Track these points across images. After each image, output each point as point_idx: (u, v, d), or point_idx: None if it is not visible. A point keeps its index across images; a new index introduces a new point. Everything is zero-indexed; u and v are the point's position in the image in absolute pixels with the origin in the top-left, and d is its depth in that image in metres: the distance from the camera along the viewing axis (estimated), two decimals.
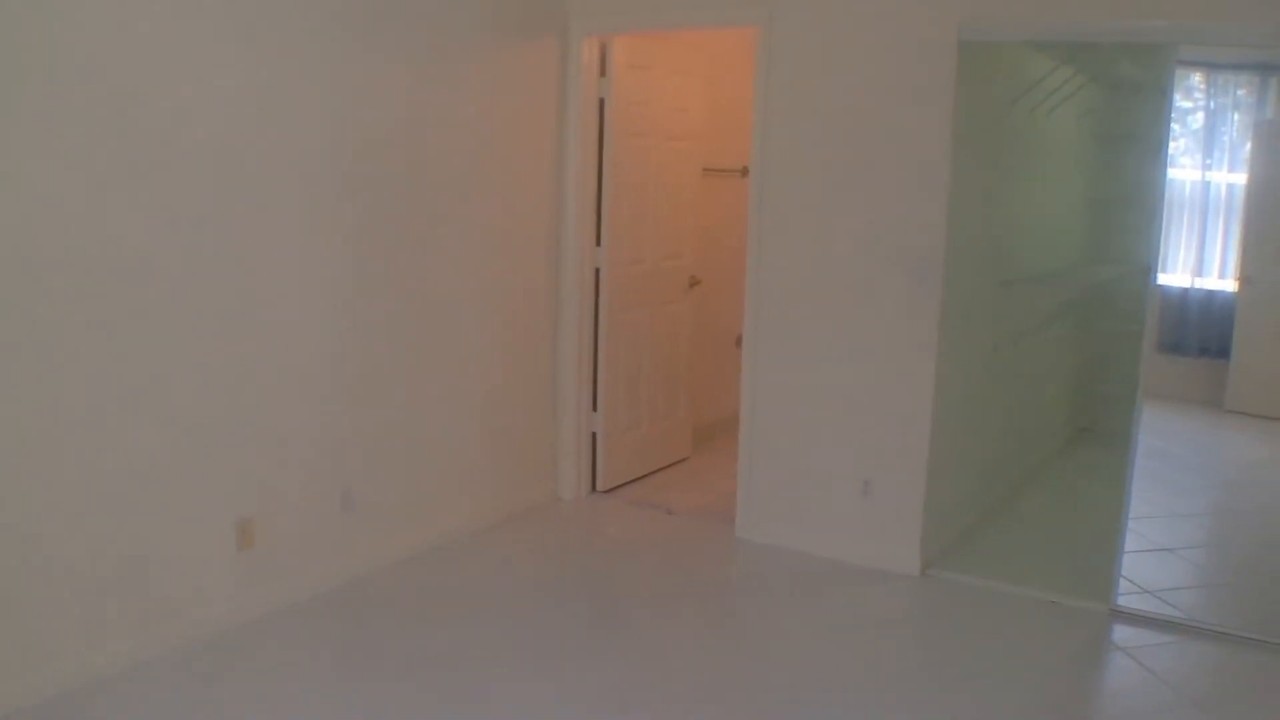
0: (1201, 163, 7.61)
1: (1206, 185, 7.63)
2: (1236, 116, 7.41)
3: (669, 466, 6.96)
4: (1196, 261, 7.17)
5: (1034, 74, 6.01)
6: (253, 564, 4.56)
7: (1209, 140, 7.54)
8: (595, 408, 6.34)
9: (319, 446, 4.82)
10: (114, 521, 4.03)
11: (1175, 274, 7.63)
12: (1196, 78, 7.51)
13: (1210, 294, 7.49)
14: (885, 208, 5.16)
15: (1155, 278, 5.02)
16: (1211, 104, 7.51)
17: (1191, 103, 7.50)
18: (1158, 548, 5.79)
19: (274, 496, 4.64)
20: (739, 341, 7.70)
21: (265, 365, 4.53)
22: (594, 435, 6.36)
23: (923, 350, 5.14)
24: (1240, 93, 7.36)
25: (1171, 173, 7.69)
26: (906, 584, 5.19)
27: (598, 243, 6.20)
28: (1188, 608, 5.10)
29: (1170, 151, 6.22)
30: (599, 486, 6.40)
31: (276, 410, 4.60)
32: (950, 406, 5.36)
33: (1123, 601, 4.94)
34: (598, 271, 6.22)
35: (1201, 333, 7.49)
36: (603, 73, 6.10)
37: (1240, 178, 7.35)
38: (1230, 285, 7.40)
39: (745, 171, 7.43)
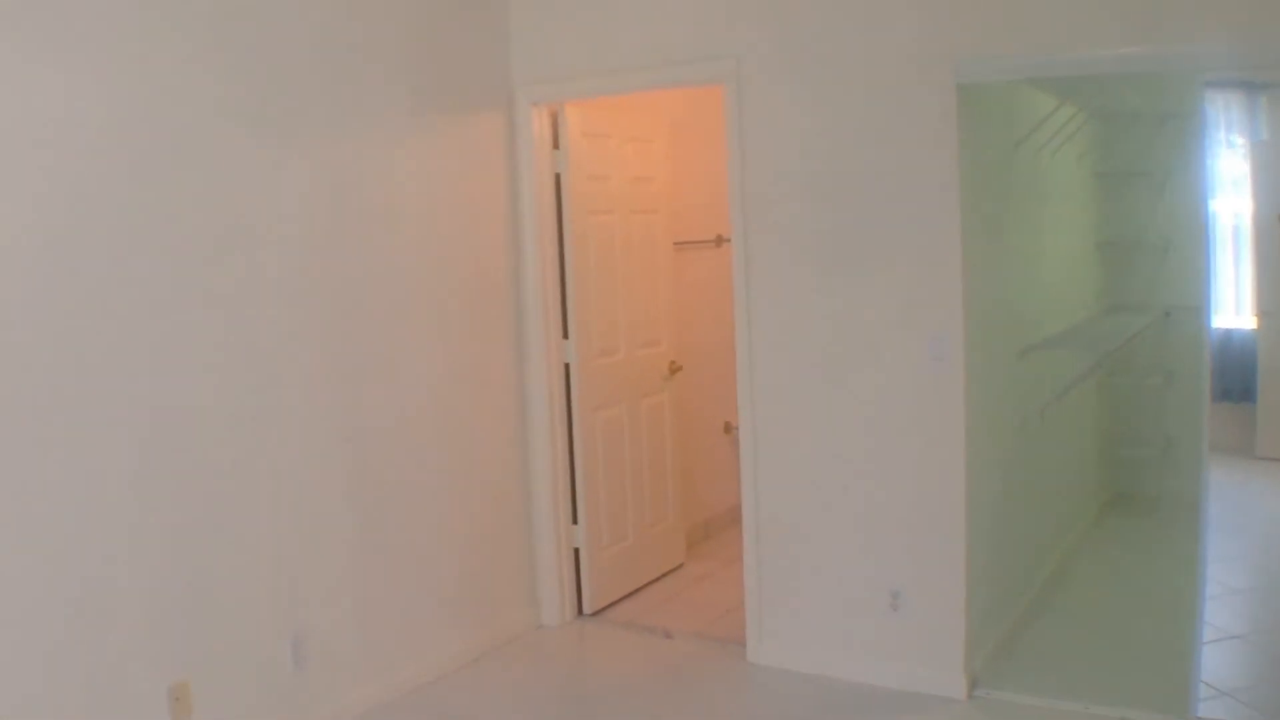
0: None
1: (1209, 214, 7.17)
2: (1237, 140, 6.97)
3: (662, 577, 6.33)
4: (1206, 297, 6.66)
5: (1033, 113, 5.51)
6: None
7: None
8: (575, 520, 5.72)
9: (263, 591, 4.25)
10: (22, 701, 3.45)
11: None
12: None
13: (1228, 332, 7.00)
14: (891, 277, 4.62)
15: (1210, 319, 4.46)
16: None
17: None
18: (1224, 635, 5.20)
19: (213, 655, 4.05)
20: (727, 428, 7.21)
21: (193, 498, 3.97)
22: (576, 552, 5.73)
23: (948, 436, 4.57)
24: (1233, 113, 6.93)
25: (1176, 204, 7.27)
26: (953, 710, 4.56)
27: (565, 335, 5.63)
28: (1272, 709, 4.51)
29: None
30: (586, 609, 5.77)
31: (210, 554, 4.03)
32: (984, 497, 4.78)
33: (1203, 711, 4.35)
34: (567, 367, 5.65)
35: (1222, 374, 6.98)
36: (556, 145, 5.58)
37: (1242, 204, 6.90)
38: (1247, 321, 6.95)
39: (720, 241, 6.97)
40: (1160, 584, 5.96)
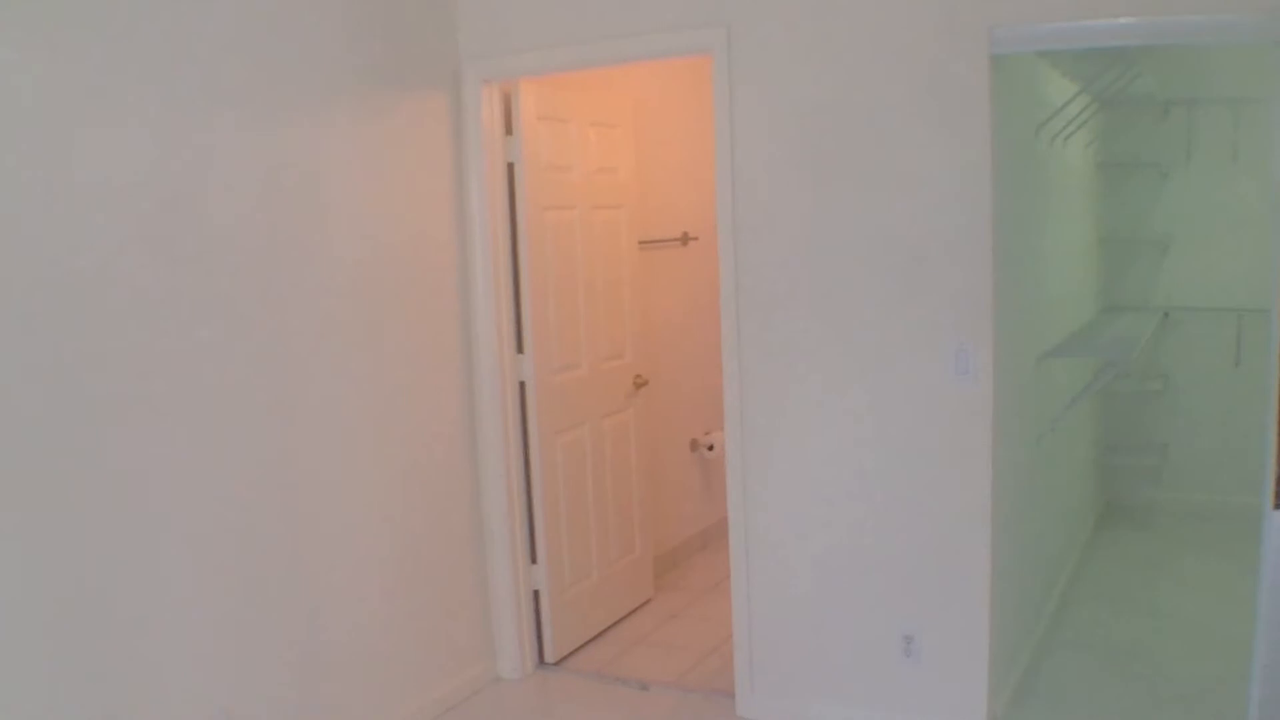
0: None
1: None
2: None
3: (629, 615, 5.69)
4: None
5: (1050, 95, 4.96)
6: None
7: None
8: (534, 559, 5.07)
9: (187, 663, 3.58)
10: None
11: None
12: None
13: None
14: (909, 279, 4.03)
15: (1275, 323, 3.93)
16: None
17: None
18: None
19: None
20: (694, 445, 6.60)
21: (91, 562, 3.25)
22: (536, 594, 5.09)
23: (972, 461, 4.00)
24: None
25: (1179, 198, 6.79)
26: None
27: (519, 349, 4.98)
28: None
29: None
30: (548, 657, 5.11)
31: (126, 628, 3.36)
32: (1004, 525, 4.21)
33: None
34: (522, 386, 5.00)
35: None
36: (509, 130, 4.91)
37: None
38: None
39: (686, 239, 6.36)
40: (1171, 604, 5.58)
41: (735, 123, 4.26)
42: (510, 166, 4.94)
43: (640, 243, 5.80)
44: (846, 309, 4.15)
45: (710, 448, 6.59)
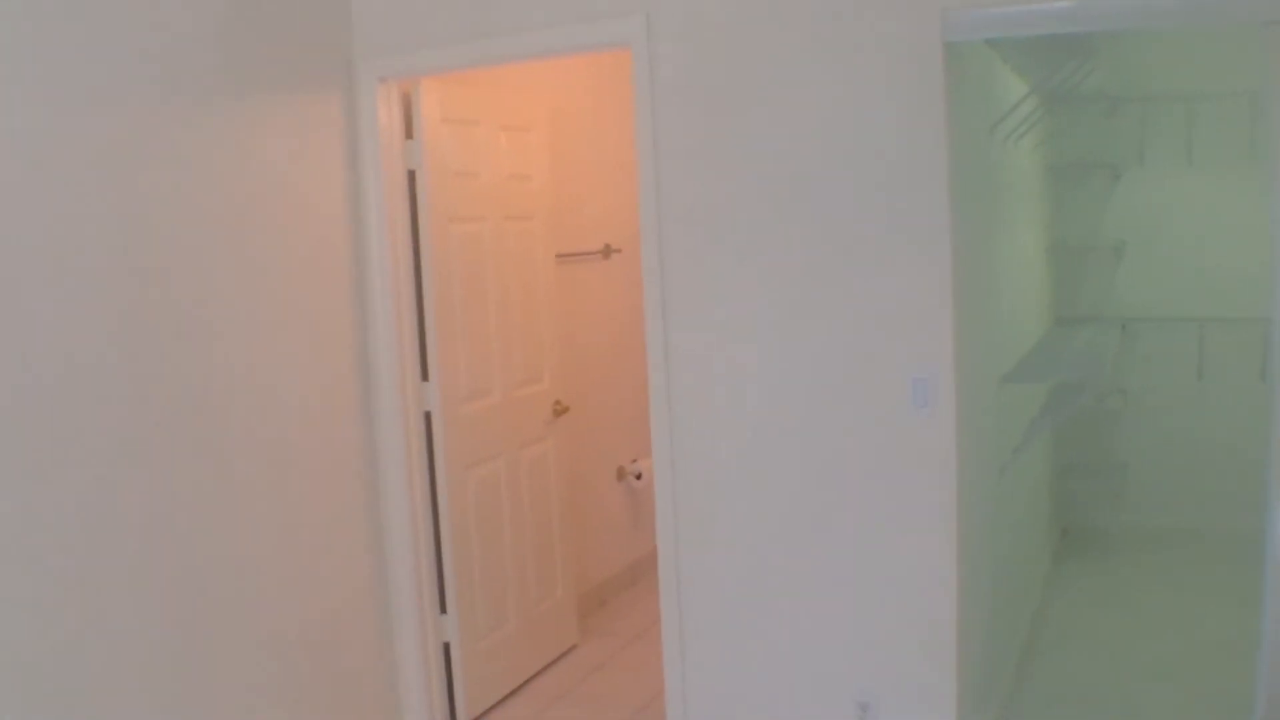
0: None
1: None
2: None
3: (552, 664, 5.21)
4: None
5: (1003, 93, 4.58)
6: None
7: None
8: (444, 609, 4.60)
9: None
10: None
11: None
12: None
13: None
14: (856, 296, 3.61)
15: (1277, 334, 3.55)
16: None
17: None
18: None
19: None
20: (620, 474, 6.16)
21: None
22: (446, 646, 4.61)
23: (934, 500, 3.58)
24: None
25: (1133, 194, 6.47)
26: None
27: (424, 376, 4.51)
28: None
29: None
30: (460, 717, 4.63)
31: None
32: (971, 575, 3.80)
33: None
34: (428, 417, 4.54)
35: None
36: (409, 134, 4.47)
37: None
38: None
39: (608, 251, 5.92)
40: (1143, 646, 5.12)
41: (658, 123, 3.83)
42: (411, 174, 4.49)
43: (558, 256, 5.35)
44: (786, 327, 3.73)
45: (638, 476, 6.15)
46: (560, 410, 5.24)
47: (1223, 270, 6.29)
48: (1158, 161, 6.33)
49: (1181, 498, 6.52)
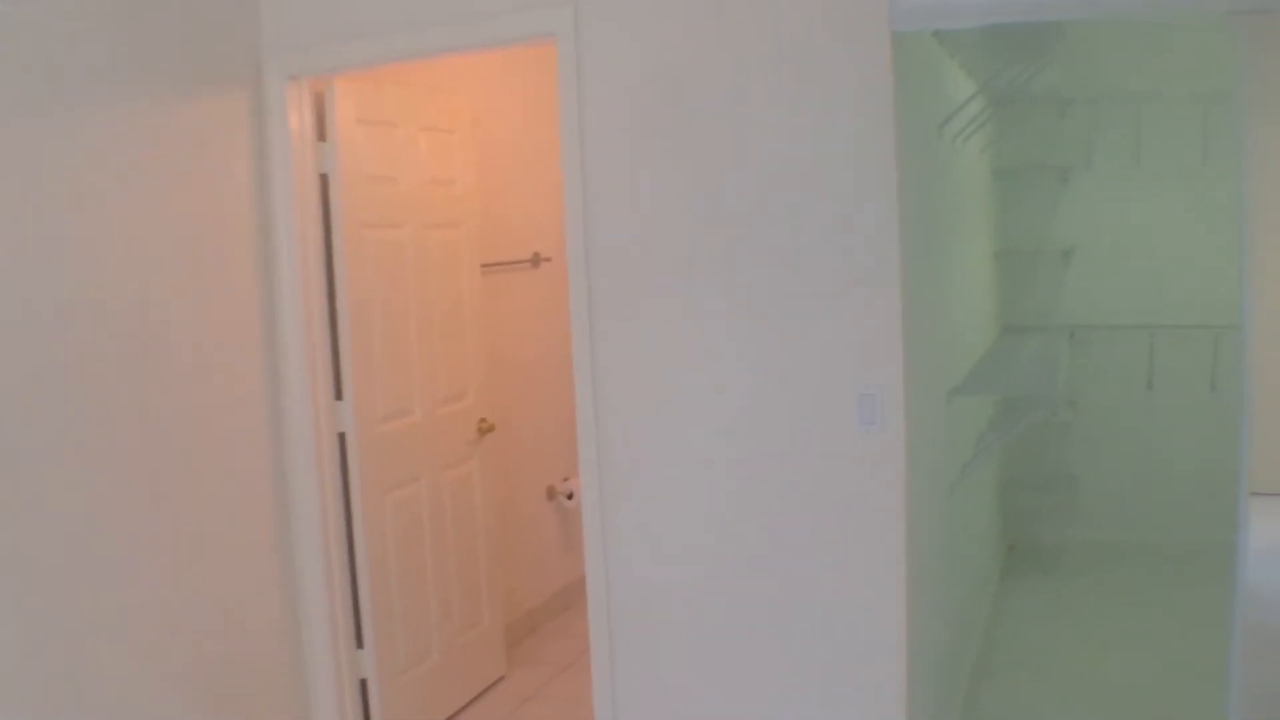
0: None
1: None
2: None
3: (479, 697, 4.93)
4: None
5: (951, 92, 4.37)
6: None
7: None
8: (361, 643, 4.31)
9: None
10: None
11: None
12: None
13: None
14: (798, 307, 3.38)
15: (1247, 339, 3.34)
16: None
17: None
18: None
19: None
20: (551, 494, 5.89)
21: None
22: (363, 683, 4.33)
23: (883, 529, 3.34)
24: None
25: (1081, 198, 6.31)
26: None
27: (338, 395, 4.23)
28: None
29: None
30: None
31: None
32: (920, 605, 3.57)
33: None
34: (343, 438, 4.25)
35: None
36: (322, 136, 4.20)
37: None
38: None
39: (538, 260, 5.67)
40: (1095, 668, 4.92)
41: (585, 122, 3.58)
42: (324, 177, 4.22)
43: (483, 265, 5.08)
44: (722, 342, 3.49)
45: (569, 496, 5.89)
46: (486, 428, 4.96)
47: (1173, 276, 6.16)
48: (1106, 165, 6.17)
49: (1132, 511, 6.37)
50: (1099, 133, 6.10)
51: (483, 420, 4.95)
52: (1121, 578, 6.07)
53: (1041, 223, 6.34)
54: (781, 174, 3.36)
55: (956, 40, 4.12)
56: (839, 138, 3.28)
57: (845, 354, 3.33)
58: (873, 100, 3.24)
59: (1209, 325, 5.90)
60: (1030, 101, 5.89)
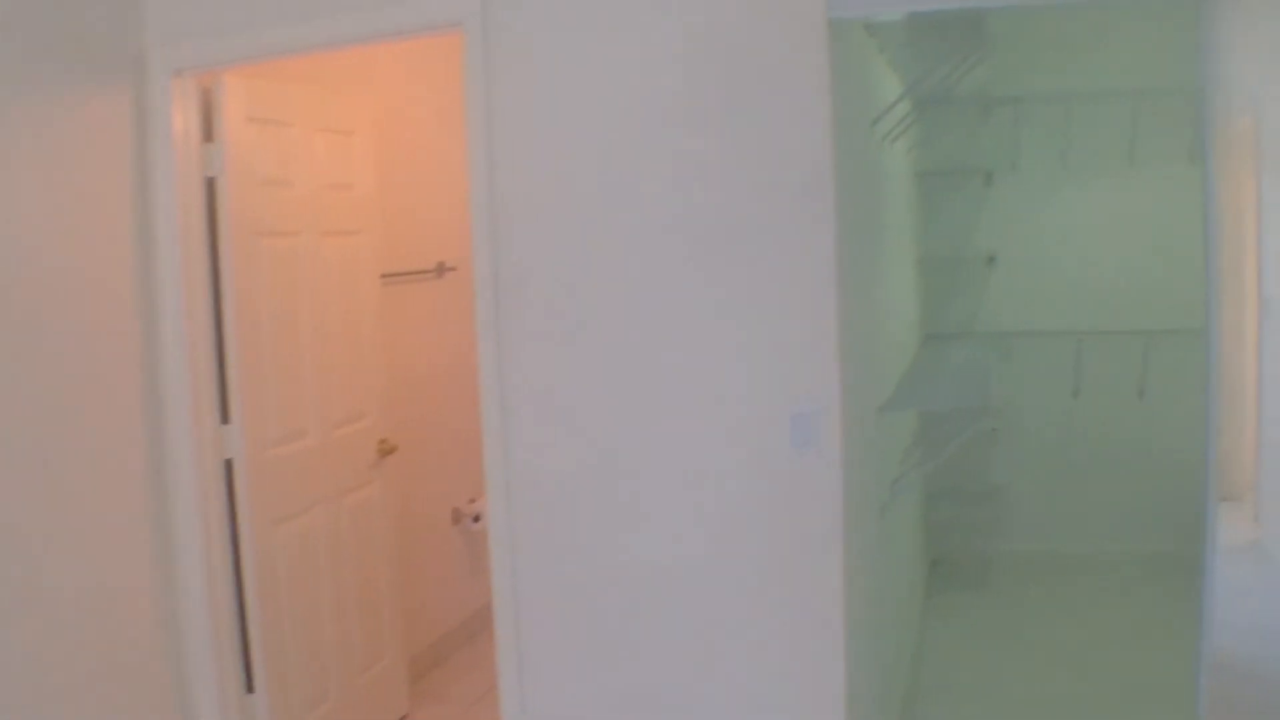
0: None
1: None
2: None
3: None
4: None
5: (881, 91, 4.14)
6: None
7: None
8: (251, 687, 3.97)
9: None
10: None
11: None
12: None
13: None
14: (726, 318, 3.13)
15: (1214, 345, 3.15)
16: None
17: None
18: None
19: None
20: (457, 517, 5.58)
21: None
22: None
23: (820, 556, 3.11)
24: None
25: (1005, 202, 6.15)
26: None
27: (225, 418, 3.89)
28: None
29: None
30: None
31: None
32: (858, 634, 3.33)
33: None
34: (230, 464, 3.91)
35: None
36: (209, 136, 3.86)
37: None
38: None
39: (442, 270, 5.35)
40: (1026, 688, 4.73)
41: (494, 121, 3.29)
42: (211, 181, 3.88)
43: (384, 276, 4.76)
44: (644, 357, 3.23)
45: (476, 518, 5.57)
46: (387, 450, 4.63)
47: (1099, 281, 6.03)
48: (1032, 167, 6.02)
49: (1059, 522, 6.24)
50: (1025, 134, 5.93)
51: (384, 441, 4.62)
52: (1050, 590, 5.93)
53: (965, 227, 6.17)
54: (707, 174, 3.10)
55: (887, 34, 3.91)
56: (773, 134, 3.03)
57: (776, 370, 3.11)
58: (809, 96, 3.00)
59: (1137, 331, 5.80)
60: (956, 102, 5.71)
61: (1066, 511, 6.20)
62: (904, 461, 4.57)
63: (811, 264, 3.03)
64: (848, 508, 3.12)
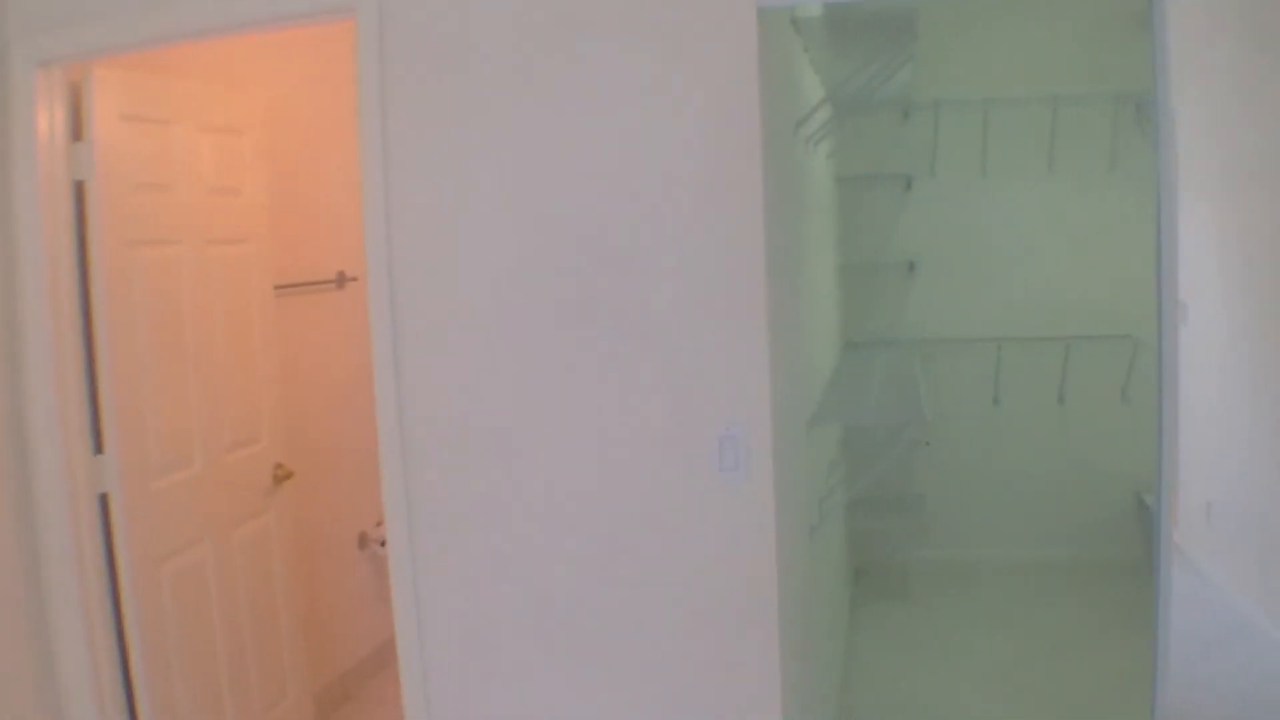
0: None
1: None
2: None
3: None
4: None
5: (804, 92, 3.89)
6: None
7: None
8: None
9: None
10: None
11: None
12: None
13: None
14: (644, 332, 2.85)
15: (1170, 348, 2.94)
16: None
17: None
18: None
19: None
20: (363, 541, 5.22)
21: None
22: None
23: (753, 586, 2.86)
24: None
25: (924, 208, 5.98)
26: None
27: (99, 448, 3.51)
28: None
29: None
30: None
31: None
32: (792, 662, 3.08)
33: None
34: (105, 499, 3.54)
35: None
36: (78, 135, 3.50)
37: None
38: None
39: (343, 280, 5.00)
40: (955, 700, 4.63)
41: (389, 117, 2.98)
42: (79, 185, 3.51)
43: (277, 287, 4.39)
44: (555, 373, 2.94)
45: (383, 543, 5.21)
46: (283, 475, 4.27)
47: (1019, 287, 5.91)
48: (951, 172, 5.85)
49: (982, 530, 6.13)
50: (943, 139, 5.77)
51: (279, 466, 4.26)
52: (973, 598, 5.85)
53: (885, 233, 5.99)
54: (629, 177, 2.83)
55: (812, 32, 3.67)
56: (699, 137, 2.77)
57: (700, 388, 2.83)
58: (737, 92, 2.73)
59: (1057, 337, 5.69)
60: (875, 106, 5.52)
61: (987, 519, 6.09)
62: (830, 477, 4.33)
63: (738, 274, 2.77)
64: (780, 535, 2.86)
